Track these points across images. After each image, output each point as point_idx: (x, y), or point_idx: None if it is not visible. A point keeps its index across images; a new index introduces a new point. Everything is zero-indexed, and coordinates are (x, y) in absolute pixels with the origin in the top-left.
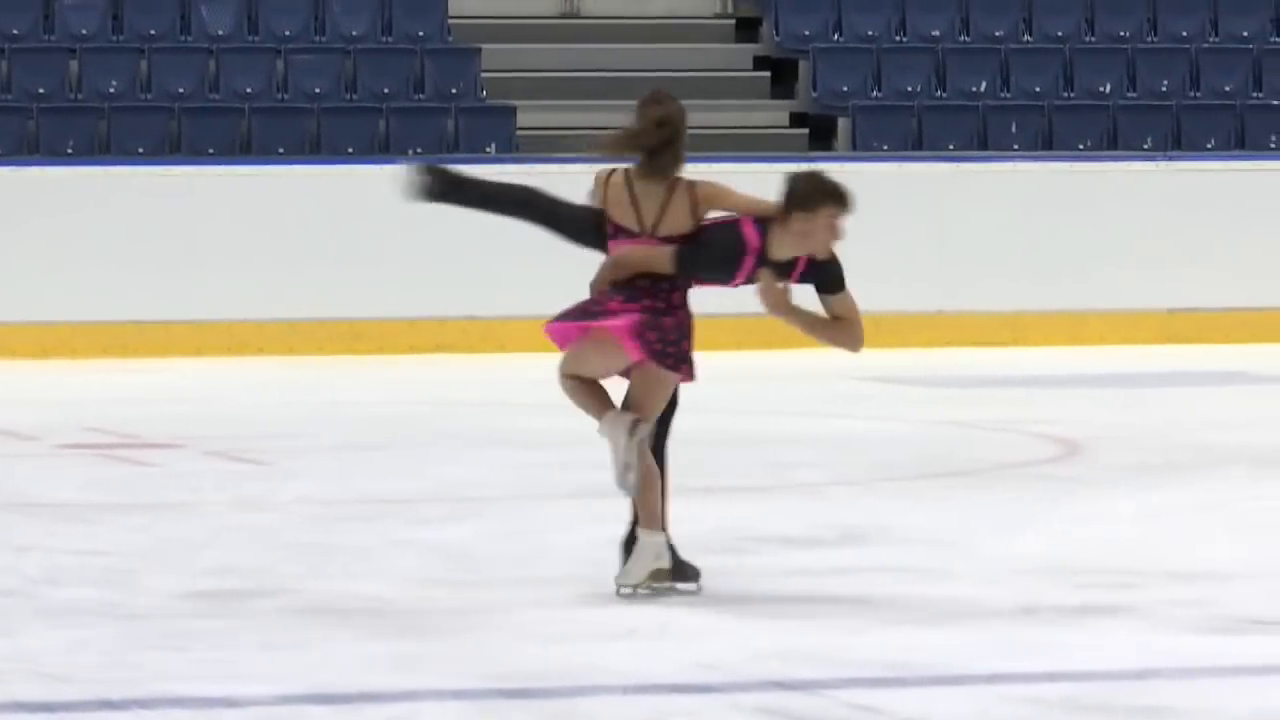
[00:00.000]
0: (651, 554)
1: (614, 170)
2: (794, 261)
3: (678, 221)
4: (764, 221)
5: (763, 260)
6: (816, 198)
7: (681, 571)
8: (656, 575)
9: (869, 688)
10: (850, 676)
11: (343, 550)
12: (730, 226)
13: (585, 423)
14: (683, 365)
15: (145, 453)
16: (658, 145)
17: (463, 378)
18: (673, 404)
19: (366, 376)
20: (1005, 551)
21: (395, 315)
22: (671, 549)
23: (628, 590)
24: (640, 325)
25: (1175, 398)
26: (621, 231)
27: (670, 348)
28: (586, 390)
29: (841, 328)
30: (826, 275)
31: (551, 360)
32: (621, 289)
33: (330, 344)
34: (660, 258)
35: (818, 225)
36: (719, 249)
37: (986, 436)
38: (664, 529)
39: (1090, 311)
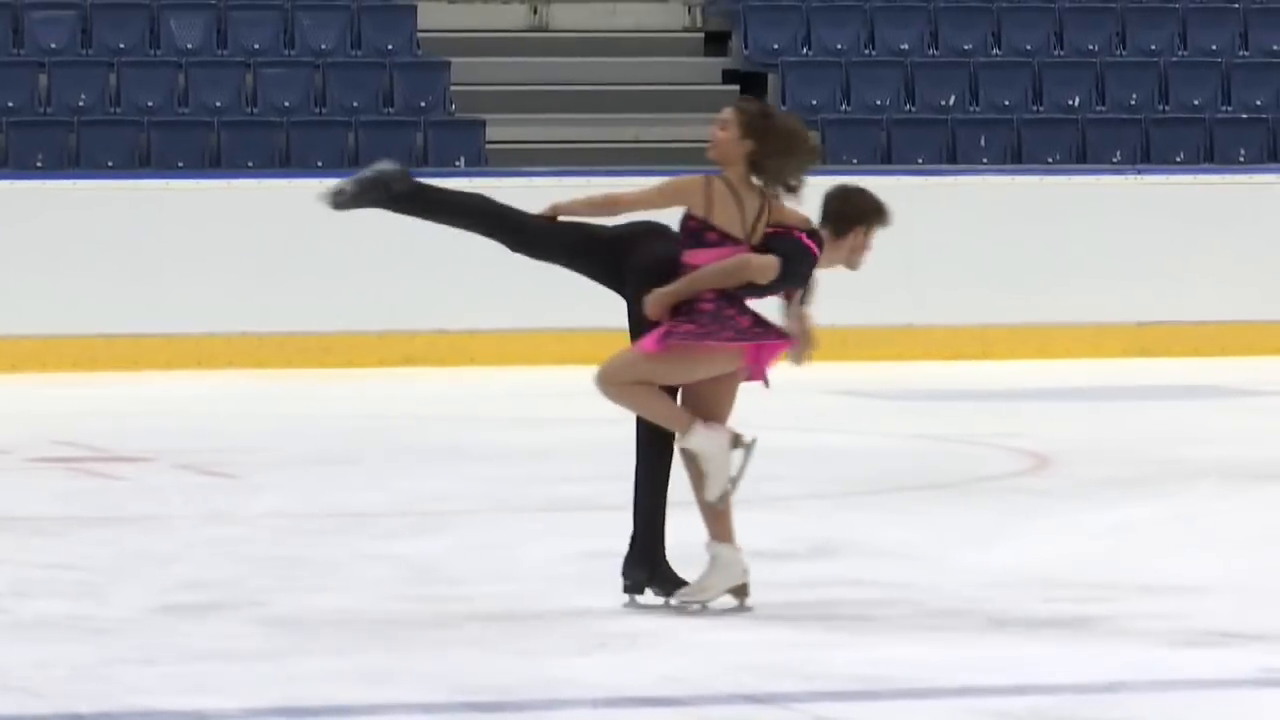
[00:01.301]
0: (738, 568)
1: (712, 177)
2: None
3: (762, 232)
4: (813, 235)
5: None
6: (871, 215)
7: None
8: (739, 591)
9: (838, 701)
10: (820, 690)
11: (312, 563)
12: (793, 241)
13: (554, 436)
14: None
15: (115, 466)
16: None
17: (432, 391)
18: None
19: (336, 390)
20: (975, 565)
21: (364, 329)
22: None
23: (697, 607)
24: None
25: (1145, 411)
26: (728, 239)
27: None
28: (667, 400)
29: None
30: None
31: (520, 375)
32: (735, 301)
33: (299, 357)
34: (767, 267)
35: (866, 241)
36: (803, 262)
37: (956, 450)
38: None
39: (1059, 325)
